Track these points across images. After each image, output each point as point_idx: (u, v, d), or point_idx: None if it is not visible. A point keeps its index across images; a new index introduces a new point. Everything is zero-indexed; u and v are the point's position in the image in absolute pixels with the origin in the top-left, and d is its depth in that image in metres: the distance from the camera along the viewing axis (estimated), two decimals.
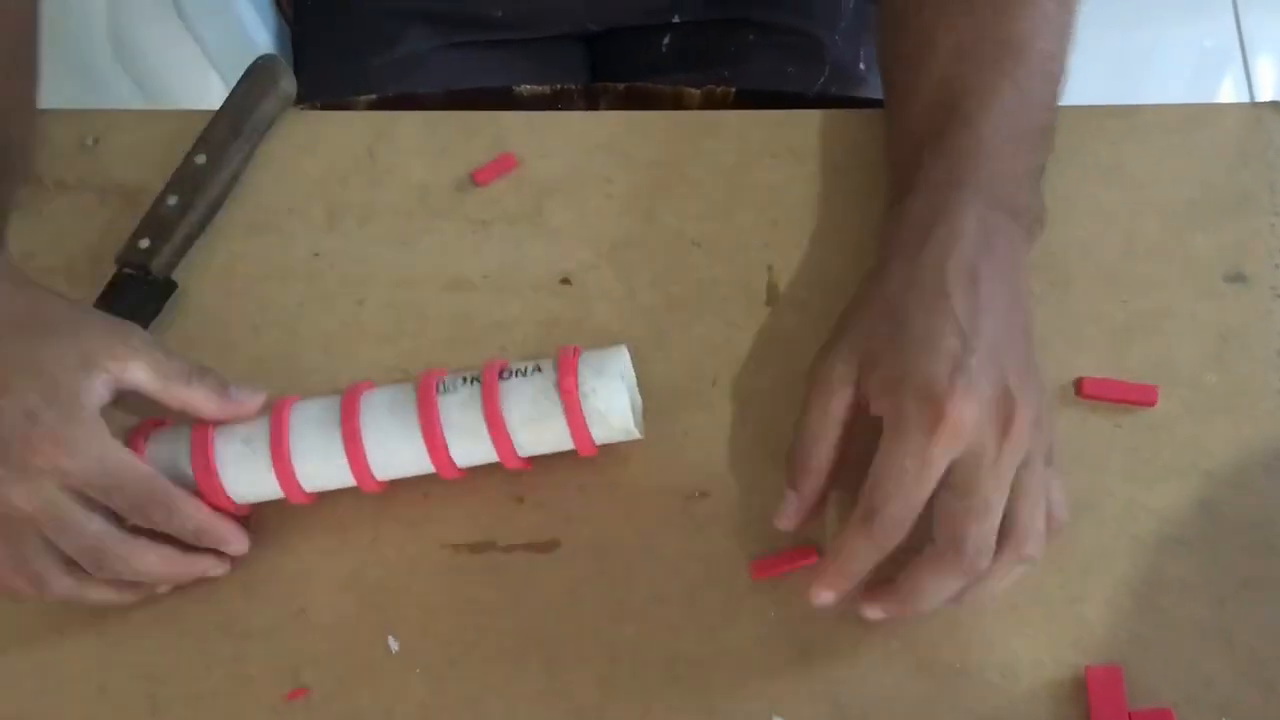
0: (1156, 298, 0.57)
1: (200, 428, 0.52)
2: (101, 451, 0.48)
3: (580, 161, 0.63)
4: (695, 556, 0.53)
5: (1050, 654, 0.50)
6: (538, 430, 0.51)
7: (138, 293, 0.61)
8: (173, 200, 0.62)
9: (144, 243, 0.61)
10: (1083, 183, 0.60)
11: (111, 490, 0.48)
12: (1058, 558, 0.51)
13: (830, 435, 0.48)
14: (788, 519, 0.50)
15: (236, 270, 0.62)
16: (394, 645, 0.52)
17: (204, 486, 0.51)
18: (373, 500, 0.54)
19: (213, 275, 0.62)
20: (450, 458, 0.51)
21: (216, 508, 0.52)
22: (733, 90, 0.67)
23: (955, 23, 0.56)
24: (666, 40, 0.84)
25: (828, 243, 0.60)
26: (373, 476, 0.52)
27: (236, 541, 0.52)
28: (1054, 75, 0.56)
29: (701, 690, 0.50)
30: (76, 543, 0.49)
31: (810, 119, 0.63)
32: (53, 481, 0.47)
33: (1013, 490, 0.46)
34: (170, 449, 0.52)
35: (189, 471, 0.51)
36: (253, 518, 0.54)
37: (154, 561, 0.50)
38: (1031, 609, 0.51)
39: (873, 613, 0.49)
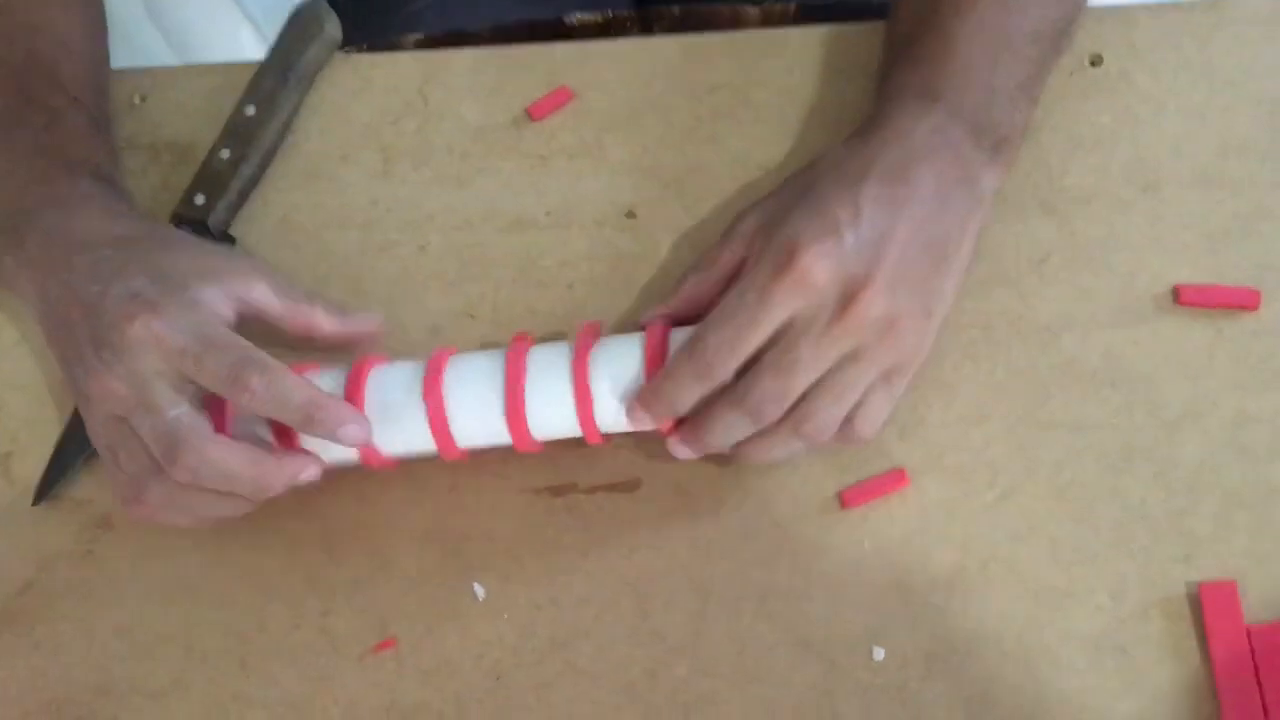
0: (1254, 197, 0.54)
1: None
2: (197, 319, 0.46)
3: (638, 90, 0.61)
4: (782, 488, 0.52)
5: (1160, 572, 0.48)
6: (620, 412, 0.49)
7: None
8: (225, 154, 0.61)
9: (199, 199, 0.60)
10: (1171, 81, 0.57)
11: (204, 355, 0.45)
12: (1163, 471, 0.50)
13: (709, 276, 0.50)
14: (645, 314, 0.52)
15: (294, 221, 0.61)
16: (480, 592, 0.51)
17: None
18: None
19: (270, 227, 0.61)
20: (530, 435, 0.50)
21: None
22: (793, 6, 0.64)
23: None
24: None
25: None
26: (455, 446, 0.50)
27: (356, 425, 0.47)
28: None
29: (797, 623, 0.49)
30: (156, 428, 0.45)
31: (878, 31, 0.60)
32: (150, 358, 0.45)
33: (827, 374, 0.46)
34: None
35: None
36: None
37: (238, 460, 0.46)
38: (1137, 526, 0.49)
39: (676, 449, 0.49)
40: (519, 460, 0.53)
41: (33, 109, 0.56)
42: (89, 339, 0.47)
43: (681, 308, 0.51)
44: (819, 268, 0.45)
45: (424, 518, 0.53)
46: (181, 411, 0.46)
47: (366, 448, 0.49)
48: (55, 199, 0.52)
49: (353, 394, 0.49)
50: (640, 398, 0.48)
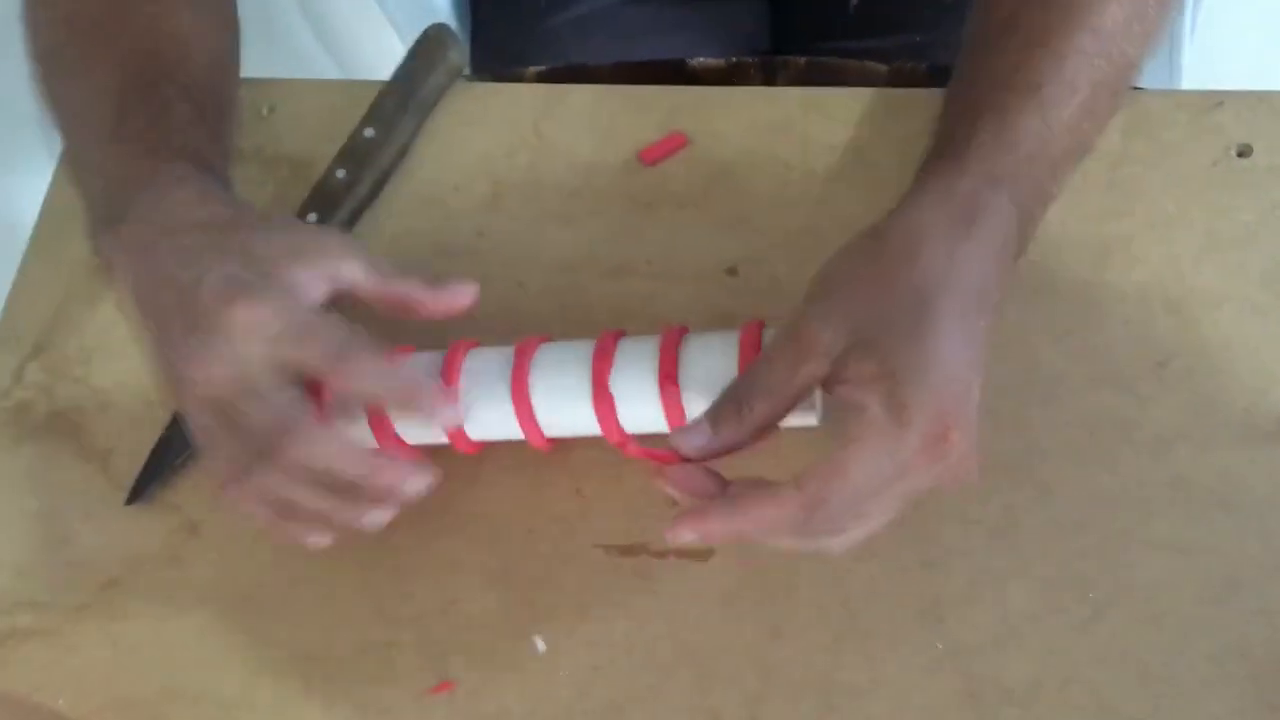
0: None
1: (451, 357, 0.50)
2: (294, 304, 0.46)
3: (754, 142, 0.59)
4: (858, 576, 0.50)
5: (1254, 717, 0.45)
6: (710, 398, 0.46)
7: None
8: (341, 174, 0.62)
9: (311, 216, 0.61)
10: None
11: (308, 338, 0.45)
12: (1269, 608, 0.46)
13: (784, 401, 0.43)
14: (688, 446, 0.43)
15: (402, 247, 0.61)
16: (540, 645, 0.51)
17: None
18: (526, 494, 0.53)
19: (378, 251, 0.60)
20: (618, 421, 0.48)
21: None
22: (924, 67, 0.61)
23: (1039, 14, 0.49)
24: (855, 1, 0.78)
25: None
26: (542, 435, 0.49)
27: (451, 410, 0.47)
28: (1119, 90, 0.49)
29: None
30: (264, 413, 0.45)
31: None
32: (251, 344, 0.45)
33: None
34: None
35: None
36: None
37: (343, 449, 0.46)
38: (1234, 663, 0.46)
39: (669, 488, 0.44)
40: (593, 514, 0.53)
41: (147, 99, 0.56)
42: (183, 324, 0.47)
43: (737, 437, 0.43)
44: (962, 445, 0.41)
45: (494, 560, 0.53)
46: (289, 397, 0.46)
47: (454, 430, 0.49)
48: (151, 182, 0.52)
49: (447, 376, 0.49)
50: (701, 517, 0.43)
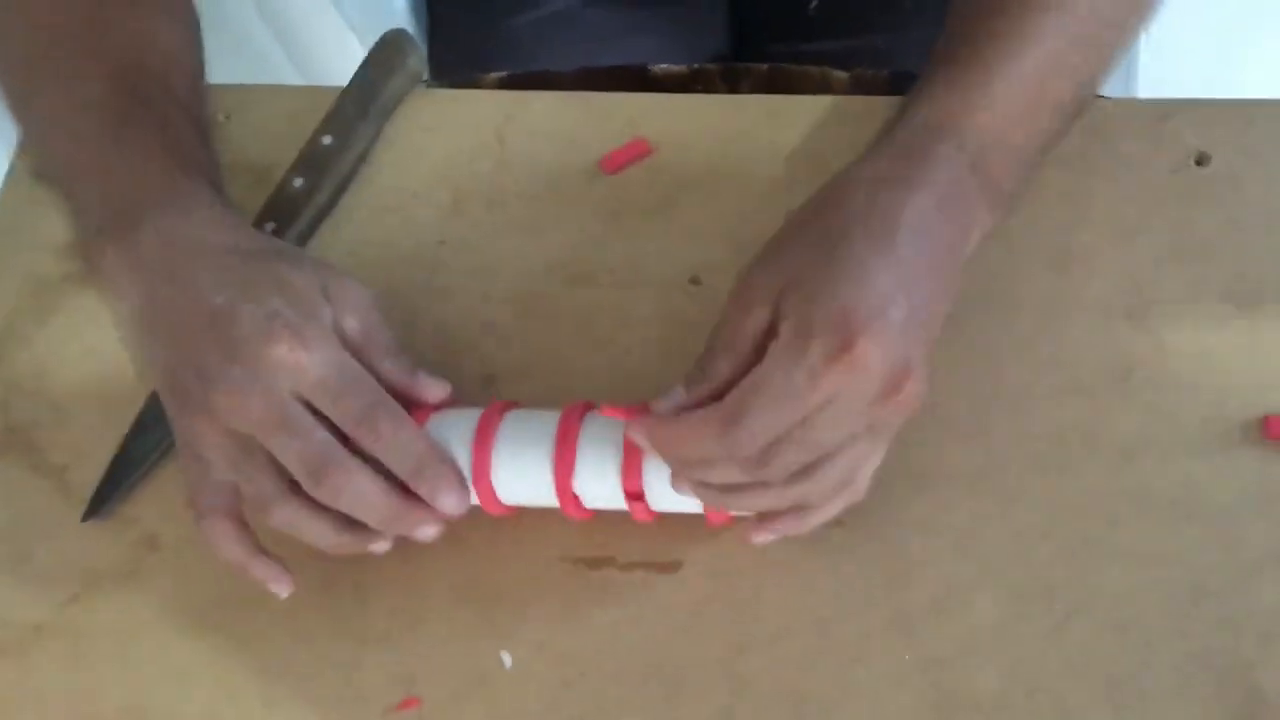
0: None
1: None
2: (338, 354, 0.47)
3: (717, 150, 0.59)
4: (826, 587, 0.50)
5: None
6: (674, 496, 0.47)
7: None
8: (299, 182, 0.61)
9: (270, 226, 0.60)
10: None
11: (342, 394, 0.46)
12: (1234, 618, 0.47)
13: (738, 350, 0.45)
14: (664, 408, 0.46)
15: (362, 256, 0.60)
16: (507, 661, 0.51)
17: None
18: None
19: (337, 261, 0.60)
20: (579, 502, 0.49)
21: None
22: (885, 74, 0.61)
23: None
24: (814, 2, 0.78)
25: (991, 248, 0.55)
26: (499, 502, 0.50)
27: (454, 494, 0.48)
28: (1099, 44, 0.51)
29: None
30: (300, 449, 0.46)
31: None
32: (287, 382, 0.46)
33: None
34: None
35: None
36: None
37: (372, 488, 0.46)
38: (1199, 673, 0.46)
39: (640, 440, 0.46)
40: (559, 528, 0.52)
41: (147, 110, 0.55)
42: (216, 350, 0.47)
43: (706, 391, 0.45)
44: (876, 355, 0.42)
45: (459, 575, 0.52)
46: (324, 435, 0.46)
47: (486, 493, 0.49)
48: (171, 198, 0.52)
49: (484, 437, 0.49)
50: (654, 432, 0.45)
